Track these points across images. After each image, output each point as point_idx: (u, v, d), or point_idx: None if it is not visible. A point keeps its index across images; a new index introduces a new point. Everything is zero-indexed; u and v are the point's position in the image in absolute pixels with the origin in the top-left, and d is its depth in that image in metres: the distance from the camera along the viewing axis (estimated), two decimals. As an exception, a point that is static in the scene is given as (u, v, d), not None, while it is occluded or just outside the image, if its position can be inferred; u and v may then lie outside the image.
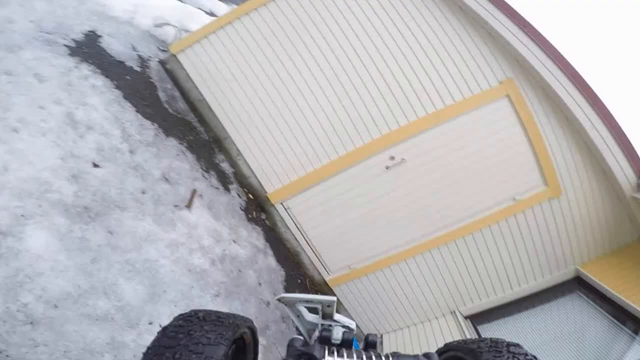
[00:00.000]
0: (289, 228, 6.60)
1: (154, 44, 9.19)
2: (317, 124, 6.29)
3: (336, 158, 6.23)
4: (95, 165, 5.19)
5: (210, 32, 7.16)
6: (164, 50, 9.22)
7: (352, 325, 1.22)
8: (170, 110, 7.42)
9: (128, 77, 7.30)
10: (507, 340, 0.93)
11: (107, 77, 6.82)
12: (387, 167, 6.01)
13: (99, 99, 6.21)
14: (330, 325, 1.20)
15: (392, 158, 5.95)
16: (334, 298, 1.19)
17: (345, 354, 0.92)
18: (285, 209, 6.49)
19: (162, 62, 8.64)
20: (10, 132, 4.67)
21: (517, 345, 0.90)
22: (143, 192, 4.83)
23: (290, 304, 1.30)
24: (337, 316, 1.25)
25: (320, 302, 1.23)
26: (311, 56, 6.32)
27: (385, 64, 5.99)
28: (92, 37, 7.49)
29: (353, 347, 1.08)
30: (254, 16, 6.83)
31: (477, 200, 5.75)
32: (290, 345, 0.95)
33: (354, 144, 6.15)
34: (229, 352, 0.89)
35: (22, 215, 3.99)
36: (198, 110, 7.21)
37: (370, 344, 1.06)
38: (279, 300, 1.27)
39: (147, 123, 6.66)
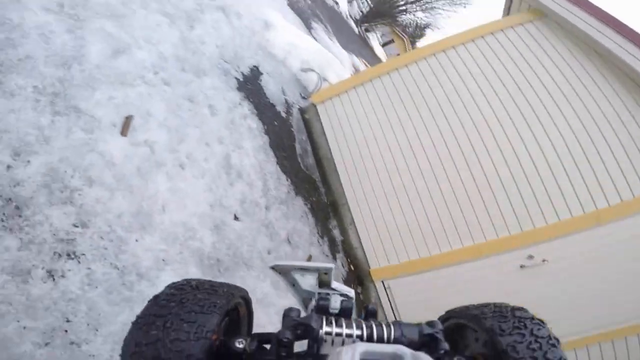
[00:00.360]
0: (382, 307, 6.12)
1: (298, 89, 9.36)
2: (445, 207, 5.84)
3: (458, 248, 5.62)
4: (236, 218, 5.19)
5: (351, 87, 7.09)
6: (304, 98, 9.34)
7: (351, 293, 1.17)
8: (302, 165, 7.34)
9: (276, 123, 7.39)
10: (511, 304, 0.88)
11: (260, 119, 6.95)
12: (521, 266, 5.37)
13: (251, 143, 6.24)
14: (328, 294, 1.15)
15: (531, 257, 5.31)
16: (331, 265, 1.15)
17: (344, 324, 0.89)
18: (385, 288, 6.04)
19: (301, 111, 8.73)
20: (178, 168, 4.70)
21: (522, 309, 0.86)
22: (269, 253, 4.83)
23: (285, 272, 1.24)
24: (334, 284, 1.19)
25: (316, 269, 1.17)
26: (450, 129, 5.97)
27: (539, 147, 5.39)
28: (255, 73, 7.72)
29: (352, 315, 1.04)
30: (394, 77, 6.65)
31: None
32: (286, 315, 0.90)
33: (485, 237, 5.50)
34: (222, 323, 0.85)
35: (163, 260, 3.92)
36: (323, 169, 7.12)
37: (370, 313, 1.03)
38: (272, 268, 1.21)
39: (283, 178, 6.64)
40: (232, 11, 8.09)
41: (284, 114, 7.99)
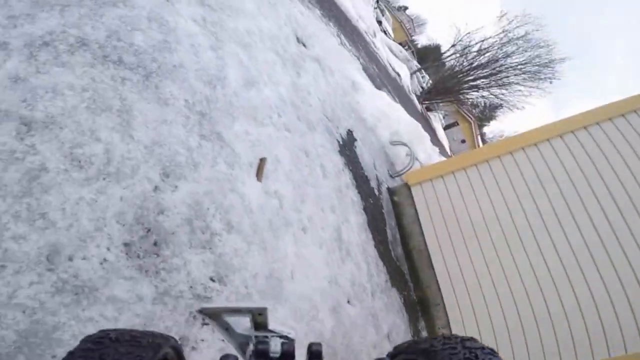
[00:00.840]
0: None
1: (386, 165, 9.26)
2: (564, 320, 5.34)
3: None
4: (349, 302, 4.73)
5: (457, 170, 6.89)
6: (391, 176, 9.20)
7: (292, 334, 1.17)
8: (393, 254, 6.95)
9: (371, 200, 7.15)
10: (460, 334, 0.91)
11: (359, 192, 6.80)
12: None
13: (355, 218, 5.95)
14: (266, 337, 1.15)
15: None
16: (265, 305, 1.15)
17: None
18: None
19: (390, 191, 8.56)
20: (301, 231, 4.32)
21: (471, 339, 0.87)
22: (374, 347, 4.56)
23: (215, 316, 1.24)
24: (272, 325, 1.19)
25: (249, 310, 1.15)
26: (578, 230, 5.59)
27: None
28: (350, 138, 7.79)
29: (294, 358, 1.06)
30: (507, 162, 6.45)
31: None
32: None
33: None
34: None
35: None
36: (413, 262, 6.90)
37: (315, 355, 1.02)
38: (199, 312, 1.29)
39: (380, 264, 6.21)
40: (326, 65, 8.41)
41: (376, 191, 7.82)
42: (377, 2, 36.07)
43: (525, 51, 33.14)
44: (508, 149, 6.62)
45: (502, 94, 35.57)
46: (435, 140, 25.18)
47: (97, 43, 3.07)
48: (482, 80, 35.15)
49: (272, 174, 4.37)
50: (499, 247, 6.10)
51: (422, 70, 36.95)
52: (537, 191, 6.11)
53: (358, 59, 13.24)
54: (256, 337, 1.22)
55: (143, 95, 3.18)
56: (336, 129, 7.10)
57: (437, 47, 42.65)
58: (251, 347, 1.18)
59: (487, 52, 34.23)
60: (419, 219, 7.07)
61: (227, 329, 1.36)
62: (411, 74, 30.51)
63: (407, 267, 6.97)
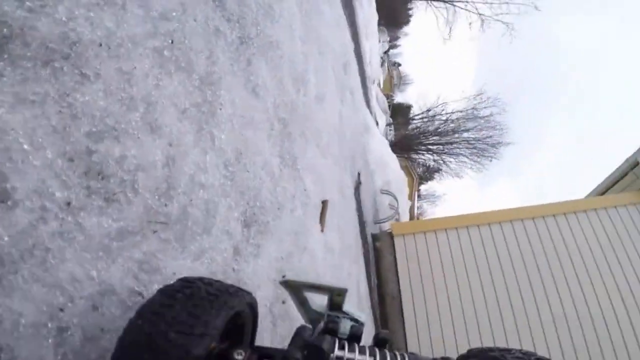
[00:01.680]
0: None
1: (372, 211, 8.18)
2: None
3: None
4: None
5: (441, 229, 6.75)
6: (375, 222, 8.14)
7: (362, 318, 1.07)
8: (371, 302, 5.91)
9: (365, 247, 6.07)
10: (537, 353, 0.83)
11: (361, 237, 5.75)
12: None
13: (357, 266, 4.73)
14: (338, 317, 1.05)
15: None
16: (345, 288, 1.05)
17: (357, 349, 0.80)
18: None
19: (374, 237, 7.53)
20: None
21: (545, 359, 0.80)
22: None
23: (295, 289, 1.12)
24: (346, 307, 1.07)
25: (329, 290, 1.06)
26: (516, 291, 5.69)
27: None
28: (358, 181, 6.72)
29: (361, 342, 0.95)
30: (494, 230, 6.43)
31: None
32: (297, 334, 0.83)
33: None
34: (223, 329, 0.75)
35: None
36: (385, 307, 6.35)
37: (381, 341, 0.95)
38: (282, 283, 1.08)
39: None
40: (356, 99, 7.11)
41: (369, 238, 6.75)
42: (386, 53, 35.61)
43: (482, 130, 34.05)
44: (476, 222, 6.65)
45: (450, 161, 35.86)
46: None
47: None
48: (438, 146, 34.47)
49: (329, 221, 3.07)
50: (465, 303, 5.95)
51: (392, 125, 36.73)
52: (487, 260, 6.16)
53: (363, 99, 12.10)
54: (329, 315, 1.06)
55: (234, 68, 1.74)
56: (352, 168, 5.94)
57: (408, 107, 42.74)
58: (322, 324, 1.06)
59: (452, 123, 34.77)
60: (396, 267, 6.53)
61: (303, 304, 1.17)
62: (385, 125, 30.21)
63: (379, 313, 6.25)
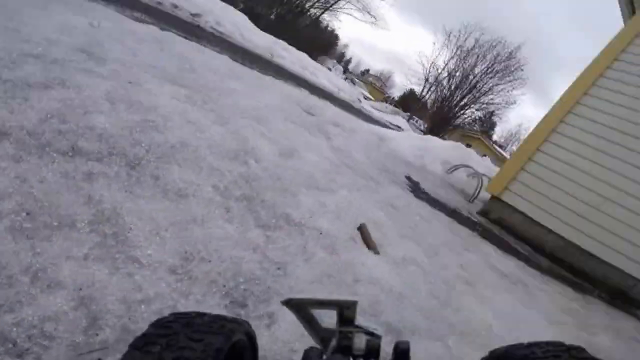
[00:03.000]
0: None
1: (455, 194, 7.83)
2: None
3: None
4: None
5: (531, 154, 6.85)
6: (470, 201, 7.77)
7: (378, 330, 1.04)
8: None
9: (478, 229, 5.56)
10: (566, 342, 0.83)
11: (463, 225, 5.43)
12: None
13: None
14: (351, 332, 1.02)
15: None
16: (355, 300, 0.99)
17: None
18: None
19: (483, 213, 7.12)
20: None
21: (579, 348, 0.79)
22: None
23: (300, 308, 1.05)
24: (359, 320, 1.03)
25: (337, 304, 1.01)
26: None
27: None
28: (413, 182, 6.48)
29: (378, 356, 0.95)
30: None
31: None
32: (305, 357, 0.86)
33: None
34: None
35: None
36: (565, 260, 6.21)
37: (401, 353, 0.94)
38: (284, 304, 1.01)
39: None
40: (345, 126, 7.20)
41: (474, 218, 6.24)
42: (344, 73, 37.19)
43: (484, 56, 33.82)
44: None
45: (491, 100, 35.45)
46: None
47: (23, 129, 1.62)
48: (467, 97, 35.10)
49: (384, 239, 2.87)
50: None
51: (413, 117, 36.83)
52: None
53: (365, 120, 12.07)
54: (340, 332, 1.02)
55: (135, 192, 1.71)
56: (394, 177, 5.77)
57: (412, 91, 42.98)
58: (334, 342, 1.02)
59: (456, 72, 34.76)
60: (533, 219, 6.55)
61: (310, 322, 1.08)
62: (407, 121, 30.27)
63: (562, 269, 6.13)
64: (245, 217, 2.05)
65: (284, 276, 1.77)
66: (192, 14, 10.74)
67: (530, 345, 0.85)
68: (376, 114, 19.82)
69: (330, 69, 29.43)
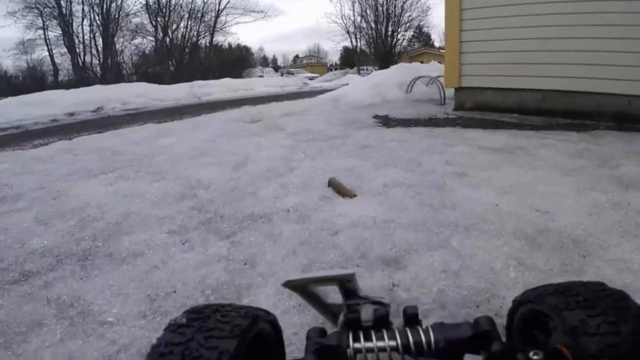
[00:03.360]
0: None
1: (425, 105, 8.09)
2: None
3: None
4: None
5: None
6: (441, 104, 8.10)
7: (385, 300, 0.91)
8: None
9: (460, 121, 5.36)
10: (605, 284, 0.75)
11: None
12: None
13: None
14: (358, 304, 0.89)
15: None
16: (353, 271, 0.84)
17: (373, 337, 0.74)
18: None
19: (459, 107, 7.43)
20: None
21: (620, 292, 0.70)
22: None
23: (301, 288, 0.96)
24: (363, 291, 0.89)
25: (336, 279, 0.89)
26: None
27: None
28: (380, 117, 6.62)
29: (390, 325, 0.84)
30: None
31: None
32: (309, 337, 0.75)
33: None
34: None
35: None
36: (554, 110, 6.37)
37: (410, 317, 0.83)
38: (285, 285, 0.88)
39: None
40: (295, 112, 7.29)
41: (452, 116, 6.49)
42: (277, 71, 37.86)
43: None
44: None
45: (409, 17, 36.97)
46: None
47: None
48: (390, 25, 36.38)
49: (359, 180, 3.00)
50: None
51: (362, 68, 37.49)
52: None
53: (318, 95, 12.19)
54: (347, 305, 0.89)
55: (92, 275, 1.88)
56: (364, 122, 6.03)
57: (345, 49, 44.28)
58: (341, 317, 0.88)
59: (365, 11, 35.99)
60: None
61: (316, 300, 0.98)
62: (361, 74, 30.91)
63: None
64: (206, 238, 2.16)
65: (251, 268, 1.83)
66: (92, 111, 10.57)
67: (561, 289, 0.79)
68: (328, 85, 20.05)
69: (262, 76, 29.76)
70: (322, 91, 11.94)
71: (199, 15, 29.98)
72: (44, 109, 10.13)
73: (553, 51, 6.02)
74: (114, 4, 28.20)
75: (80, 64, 28.33)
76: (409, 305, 0.83)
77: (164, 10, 29.71)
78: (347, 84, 12.13)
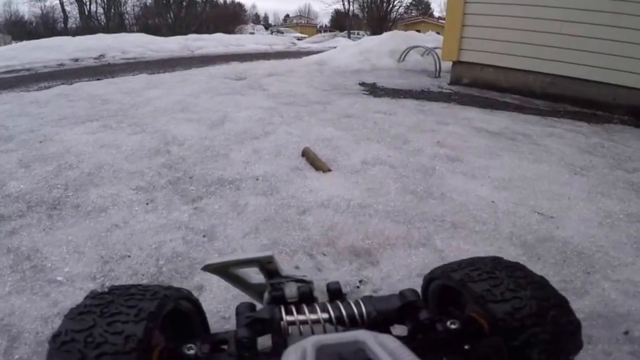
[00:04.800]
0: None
1: (417, 76, 7.88)
2: None
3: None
4: None
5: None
6: (437, 76, 7.91)
7: (307, 277, 1.04)
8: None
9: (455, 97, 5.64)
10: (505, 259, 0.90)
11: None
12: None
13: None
14: (281, 283, 1.01)
15: None
16: (270, 253, 1.01)
17: (306, 310, 0.84)
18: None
19: (455, 81, 7.30)
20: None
21: (516, 263, 0.88)
22: None
23: (221, 272, 1.09)
24: (285, 271, 1.04)
25: (257, 261, 1.02)
26: None
27: None
28: (367, 85, 6.56)
29: (315, 301, 0.94)
30: None
31: None
32: (238, 313, 0.83)
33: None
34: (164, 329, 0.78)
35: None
36: (565, 95, 6.02)
37: (334, 293, 0.94)
38: (204, 269, 1.04)
39: None
40: (280, 72, 7.39)
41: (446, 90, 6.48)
42: (267, 29, 37.63)
43: None
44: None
45: None
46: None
47: None
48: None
49: (336, 153, 2.89)
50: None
51: (353, 32, 36.81)
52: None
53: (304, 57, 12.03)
54: (271, 284, 1.01)
55: (55, 227, 1.89)
56: (348, 89, 5.92)
57: (337, 11, 44.21)
58: (266, 295, 1.01)
59: None
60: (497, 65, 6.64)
61: (239, 282, 1.12)
62: (351, 38, 30.48)
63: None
64: (171, 200, 2.15)
65: (209, 242, 1.80)
66: (95, 58, 11.01)
67: (465, 264, 0.87)
68: (316, 46, 19.79)
69: (253, 33, 30.16)
70: (309, 53, 11.74)
71: (197, -33, 30.13)
72: (52, 53, 10.66)
73: (570, 35, 5.64)
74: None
75: (87, 12, 30.12)
76: (331, 281, 0.93)
77: (164, -39, 30.26)
78: (335, 47, 11.91)
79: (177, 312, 0.88)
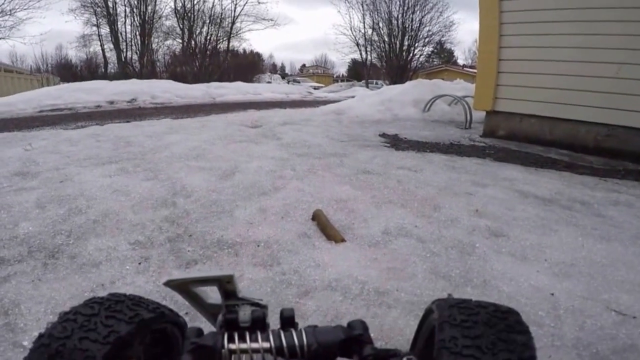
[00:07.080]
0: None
1: (445, 127, 7.62)
2: None
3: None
4: None
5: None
6: (467, 128, 7.60)
7: (262, 301, 1.01)
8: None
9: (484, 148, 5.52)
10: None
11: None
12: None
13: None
14: (236, 305, 0.99)
15: None
16: (231, 272, 0.92)
17: (248, 339, 0.82)
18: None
19: (489, 133, 6.89)
20: None
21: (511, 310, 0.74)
22: None
23: (182, 288, 1.03)
24: (242, 293, 1.00)
25: (216, 279, 0.97)
26: None
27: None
28: (388, 136, 6.36)
29: (266, 327, 0.92)
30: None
31: None
32: (186, 338, 0.88)
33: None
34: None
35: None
36: (623, 150, 5.38)
37: (287, 320, 0.92)
38: (165, 284, 0.97)
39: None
40: (295, 121, 7.45)
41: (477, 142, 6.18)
42: (284, 79, 39.06)
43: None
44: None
45: (429, 32, 36.43)
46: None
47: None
48: (406, 40, 36.00)
49: (352, 218, 2.68)
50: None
51: (371, 81, 37.82)
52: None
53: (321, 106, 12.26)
54: (226, 306, 0.98)
55: (45, 279, 1.87)
56: (368, 141, 5.79)
57: (354, 61, 45.54)
58: (220, 317, 0.97)
59: (377, 23, 36.06)
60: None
61: (196, 300, 1.06)
62: (369, 87, 31.43)
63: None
64: (165, 261, 2.06)
65: (191, 322, 1.56)
66: (127, 101, 12.43)
67: (460, 304, 0.77)
68: (332, 96, 20.79)
69: (270, 82, 32.60)
70: (326, 102, 12.02)
71: (218, 20, 32.94)
72: (92, 95, 12.00)
73: (630, 79, 5.04)
74: (150, 7, 32.59)
75: (123, 59, 33.03)
76: (285, 308, 0.89)
77: (189, 14, 33.03)
78: (353, 97, 12.07)
79: (162, 333, 0.89)
